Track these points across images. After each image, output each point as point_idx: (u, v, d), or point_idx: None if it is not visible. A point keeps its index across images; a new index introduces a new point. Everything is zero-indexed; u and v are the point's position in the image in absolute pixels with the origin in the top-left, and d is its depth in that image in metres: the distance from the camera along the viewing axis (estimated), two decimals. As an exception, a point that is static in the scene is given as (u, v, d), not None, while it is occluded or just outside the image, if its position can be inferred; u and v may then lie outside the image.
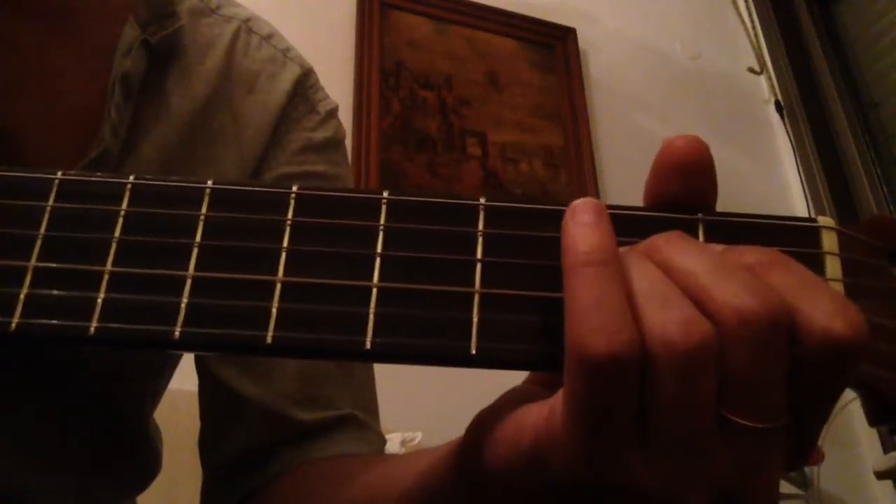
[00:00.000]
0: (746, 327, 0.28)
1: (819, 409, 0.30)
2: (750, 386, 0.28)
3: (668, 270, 0.30)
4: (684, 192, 0.33)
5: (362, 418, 0.59)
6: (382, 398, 0.63)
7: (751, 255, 0.31)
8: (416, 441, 1.34)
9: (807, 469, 1.79)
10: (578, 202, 0.32)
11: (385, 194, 0.33)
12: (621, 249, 0.31)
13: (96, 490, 0.57)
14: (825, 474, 1.81)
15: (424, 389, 1.48)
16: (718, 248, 0.32)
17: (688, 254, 0.30)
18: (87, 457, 0.55)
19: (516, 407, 0.32)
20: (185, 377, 0.63)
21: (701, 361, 0.28)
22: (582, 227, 0.31)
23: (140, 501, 0.65)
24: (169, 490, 0.87)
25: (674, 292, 0.29)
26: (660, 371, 0.28)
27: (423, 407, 1.41)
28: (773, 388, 0.29)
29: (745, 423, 0.28)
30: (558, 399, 0.30)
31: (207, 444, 0.61)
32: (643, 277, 0.30)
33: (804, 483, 1.78)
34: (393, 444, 1.31)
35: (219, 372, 0.59)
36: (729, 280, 0.29)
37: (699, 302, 0.29)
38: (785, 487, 1.75)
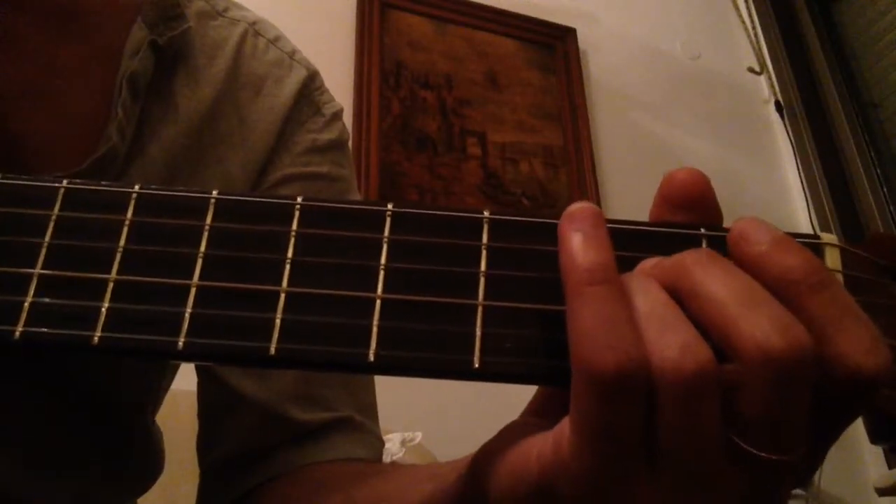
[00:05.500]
0: (769, 365, 0.27)
1: (831, 437, 0.30)
2: (769, 421, 0.28)
3: (693, 296, 0.29)
4: (687, 223, 0.33)
5: (360, 420, 0.59)
6: (382, 398, 0.63)
7: (799, 272, 0.29)
8: (416, 441, 1.34)
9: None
10: (575, 208, 0.31)
11: (390, 206, 0.33)
12: (626, 274, 0.30)
13: (96, 492, 0.57)
14: (826, 474, 1.81)
15: (424, 389, 1.47)
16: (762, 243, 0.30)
17: (717, 279, 0.29)
18: (87, 458, 0.55)
19: (519, 439, 0.32)
20: (185, 377, 0.63)
21: (700, 387, 0.27)
22: (580, 240, 0.30)
23: (140, 502, 0.65)
24: (169, 490, 0.87)
25: (674, 315, 0.29)
26: (660, 395, 0.28)
27: (423, 407, 1.41)
28: (794, 423, 0.28)
29: (761, 455, 0.28)
30: (565, 426, 0.30)
31: (205, 443, 0.60)
32: (644, 300, 0.29)
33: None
34: (393, 444, 1.30)
35: (218, 370, 0.59)
36: (757, 313, 0.28)
37: (723, 334, 0.28)
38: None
